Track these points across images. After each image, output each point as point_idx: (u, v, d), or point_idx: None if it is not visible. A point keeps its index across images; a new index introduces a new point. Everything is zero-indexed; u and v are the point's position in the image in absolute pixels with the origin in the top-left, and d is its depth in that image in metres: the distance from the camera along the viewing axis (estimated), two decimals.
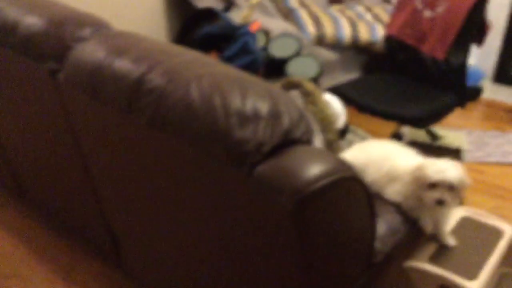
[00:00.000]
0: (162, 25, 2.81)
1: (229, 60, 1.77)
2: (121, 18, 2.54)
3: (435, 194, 1.14)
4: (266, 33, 2.61)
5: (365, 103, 2.30)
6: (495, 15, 3.46)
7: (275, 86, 1.56)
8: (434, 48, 2.30)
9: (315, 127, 1.48)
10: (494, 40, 3.54)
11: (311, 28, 2.90)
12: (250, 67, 1.85)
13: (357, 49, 2.97)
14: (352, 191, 0.91)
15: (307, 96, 1.50)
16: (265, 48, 2.53)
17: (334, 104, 1.55)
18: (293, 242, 0.86)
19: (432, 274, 1.16)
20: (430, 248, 1.25)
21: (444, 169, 1.15)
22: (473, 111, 3.31)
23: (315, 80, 2.54)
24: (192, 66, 1.03)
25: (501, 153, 2.73)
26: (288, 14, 3.00)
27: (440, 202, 1.14)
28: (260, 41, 2.54)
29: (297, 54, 2.54)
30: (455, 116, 2.64)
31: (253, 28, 2.05)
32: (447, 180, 1.13)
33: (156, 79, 1.01)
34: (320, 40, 2.90)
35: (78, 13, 1.27)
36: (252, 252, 0.99)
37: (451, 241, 1.24)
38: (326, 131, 1.48)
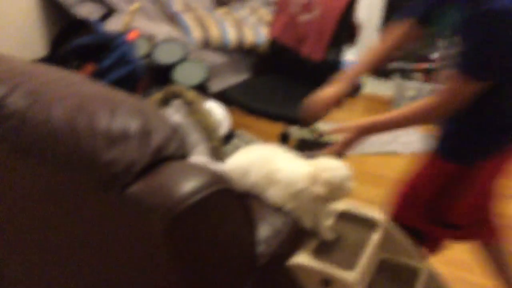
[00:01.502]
0: (38, 35, 2.65)
1: (106, 71, 1.72)
2: None
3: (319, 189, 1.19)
4: (150, 39, 2.57)
5: (252, 106, 2.36)
6: (370, 14, 3.72)
7: (153, 99, 1.55)
8: (313, 51, 2.42)
9: (199, 136, 1.49)
10: (370, 37, 3.80)
11: (196, 32, 2.90)
12: (130, 78, 1.82)
13: (245, 51, 3.02)
14: (227, 203, 0.93)
15: (189, 105, 1.51)
16: (149, 55, 2.49)
17: (216, 110, 1.57)
18: (170, 260, 0.86)
19: (314, 270, 1.22)
20: (312, 244, 1.32)
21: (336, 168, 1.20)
22: (355, 105, 3.53)
23: (203, 85, 2.56)
24: (56, 86, 0.99)
25: (380, 143, 2.95)
26: (172, 18, 2.97)
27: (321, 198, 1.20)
28: (144, 48, 2.49)
29: (183, 59, 2.53)
30: (339, 111, 2.80)
31: (131, 37, 2.01)
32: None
33: (17, 102, 0.95)
34: (206, 44, 2.91)
35: None
36: (132, 272, 0.98)
37: (329, 235, 1.31)
38: (210, 138, 1.50)
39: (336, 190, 1.20)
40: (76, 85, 1.00)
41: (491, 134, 1.32)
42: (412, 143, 2.96)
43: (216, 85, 2.73)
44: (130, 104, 0.95)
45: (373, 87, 3.73)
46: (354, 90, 3.59)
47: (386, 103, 3.48)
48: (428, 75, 3.22)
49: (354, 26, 2.35)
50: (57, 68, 1.08)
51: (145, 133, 0.90)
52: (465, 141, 1.36)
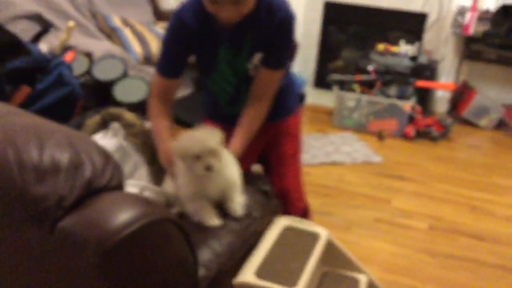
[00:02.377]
0: None
1: (42, 94, 1.67)
2: None
3: (202, 163, 1.25)
4: (89, 55, 2.52)
5: (191, 121, 2.34)
6: (310, 30, 3.82)
7: (91, 121, 1.52)
8: None
9: (140, 159, 1.48)
10: (311, 51, 3.90)
11: (137, 48, 2.88)
12: (67, 100, 1.77)
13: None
14: (163, 232, 0.93)
15: (129, 127, 1.49)
16: (88, 72, 2.44)
17: None
18: None
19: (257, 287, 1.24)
20: (255, 261, 1.33)
21: (199, 138, 1.27)
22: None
23: (145, 101, 2.53)
24: None
25: (324, 154, 3.02)
26: (112, 34, 2.93)
27: (209, 168, 1.25)
28: (82, 65, 2.44)
29: (123, 76, 2.49)
30: None
31: (68, 58, 1.96)
32: (207, 147, 1.25)
33: None
34: (148, 59, 2.89)
35: None
36: None
37: (239, 211, 1.35)
38: (151, 161, 1.49)
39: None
40: (5, 117, 0.97)
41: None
42: (353, 152, 3.05)
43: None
44: (60, 135, 0.94)
45: (316, 97, 3.82)
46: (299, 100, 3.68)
47: (329, 113, 3.57)
48: (365, 86, 3.33)
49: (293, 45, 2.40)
50: None
51: (75, 166, 0.88)
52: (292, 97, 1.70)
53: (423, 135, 3.29)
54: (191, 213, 1.32)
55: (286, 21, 1.42)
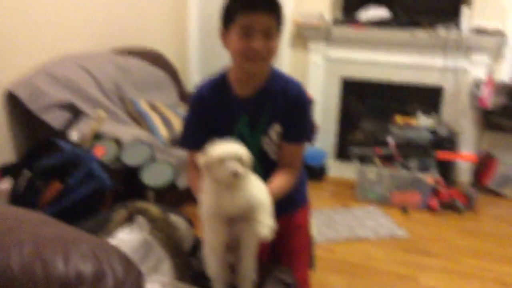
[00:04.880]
0: (7, 143, 2.71)
1: (73, 189, 1.77)
2: None
3: (229, 167, 1.23)
4: (117, 141, 2.66)
5: None
6: (329, 103, 3.93)
7: (118, 216, 1.59)
8: None
9: (164, 253, 1.53)
10: (331, 123, 3.99)
11: (163, 131, 3.01)
12: (96, 194, 1.87)
13: None
14: None
15: (153, 222, 1.55)
16: (118, 158, 2.56)
17: (180, 225, 1.62)
18: None
19: None
20: None
21: (227, 145, 1.28)
22: (322, 190, 3.63)
23: (172, 184, 2.62)
24: (15, 229, 1.03)
25: (348, 229, 3.01)
26: (140, 119, 3.09)
27: (235, 174, 1.23)
28: (112, 151, 2.57)
29: (151, 160, 2.61)
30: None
31: (97, 153, 2.09)
32: (233, 152, 1.25)
33: None
34: (174, 141, 3.01)
35: None
36: None
37: (265, 232, 1.28)
38: (175, 255, 1.53)
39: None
40: (34, 228, 1.05)
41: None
42: (377, 227, 3.04)
43: (185, 180, 2.79)
44: (85, 245, 1.00)
45: (337, 170, 3.87)
46: (319, 174, 3.72)
47: (351, 186, 3.59)
48: (386, 159, 3.37)
49: (313, 127, 2.50)
50: (14, 207, 1.13)
51: (98, 278, 0.94)
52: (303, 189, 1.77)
53: (448, 207, 3.26)
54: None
55: (300, 98, 1.53)
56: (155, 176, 2.56)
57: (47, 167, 1.72)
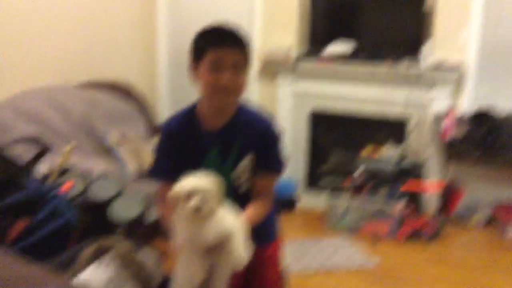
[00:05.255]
0: None
1: (39, 226, 1.73)
2: None
3: (190, 203, 1.25)
4: (85, 175, 2.61)
5: None
6: (299, 134, 3.99)
7: (85, 253, 1.56)
8: None
9: None
10: (300, 153, 4.04)
11: (132, 164, 2.98)
12: (63, 230, 1.83)
13: None
14: None
15: (121, 258, 1.52)
16: (84, 192, 2.51)
17: (149, 261, 1.60)
18: None
19: None
20: None
21: (194, 180, 1.30)
22: (293, 221, 3.64)
23: (140, 217, 2.58)
24: None
25: (319, 260, 3.01)
26: (108, 152, 3.05)
27: (197, 209, 1.25)
28: (79, 185, 2.52)
29: (119, 194, 2.56)
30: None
31: (65, 189, 2.05)
32: (198, 188, 1.26)
33: None
34: (142, 174, 2.98)
35: None
36: None
37: (239, 260, 1.32)
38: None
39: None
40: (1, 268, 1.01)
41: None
42: (348, 258, 3.05)
43: (154, 215, 2.75)
44: (50, 287, 0.98)
45: (307, 201, 3.89)
46: (290, 205, 3.74)
47: (321, 217, 3.61)
48: (355, 189, 3.42)
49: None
50: None
51: None
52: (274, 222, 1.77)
53: (416, 236, 3.31)
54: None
55: (268, 130, 1.58)
56: (123, 211, 2.51)
57: (12, 205, 1.67)
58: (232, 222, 1.35)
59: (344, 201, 3.39)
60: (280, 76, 3.89)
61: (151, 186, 2.88)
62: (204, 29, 1.53)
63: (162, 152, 1.61)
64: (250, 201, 1.58)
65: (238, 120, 1.56)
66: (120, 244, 1.56)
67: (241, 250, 1.33)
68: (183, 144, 1.56)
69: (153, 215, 2.73)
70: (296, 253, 3.09)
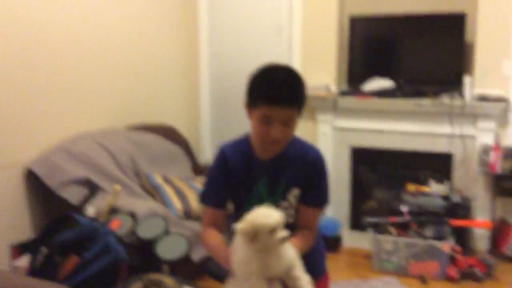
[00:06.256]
0: (25, 220, 2.76)
1: (89, 262, 1.79)
2: None
3: (279, 234, 1.32)
4: (133, 215, 2.68)
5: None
6: (341, 173, 3.97)
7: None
8: None
9: None
10: (343, 193, 4.00)
11: (177, 204, 3.05)
12: (112, 266, 1.88)
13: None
14: None
15: None
16: (133, 231, 2.58)
17: None
18: None
19: None
20: None
21: (273, 213, 1.34)
22: (337, 261, 3.57)
23: (185, 256, 2.62)
24: None
25: None
26: (154, 192, 3.13)
27: (284, 239, 1.33)
28: (127, 225, 2.59)
29: (165, 233, 2.62)
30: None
31: (113, 226, 2.12)
32: (281, 221, 1.34)
33: None
34: (187, 214, 3.04)
35: None
36: None
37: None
38: None
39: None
40: None
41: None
42: None
43: (199, 253, 2.78)
44: None
45: (352, 240, 3.82)
46: (334, 244, 3.68)
47: (367, 256, 3.53)
48: (400, 228, 3.34)
49: None
50: (35, 280, 1.15)
51: None
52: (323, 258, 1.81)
53: (467, 276, 3.18)
54: None
55: (317, 163, 1.60)
56: (169, 249, 2.56)
57: (65, 242, 1.74)
58: (292, 251, 1.42)
59: (390, 240, 3.31)
60: (320, 112, 3.92)
61: (197, 226, 2.94)
62: (260, 76, 1.51)
63: (213, 178, 1.65)
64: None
65: (289, 152, 1.59)
66: (167, 279, 1.59)
67: (306, 276, 1.40)
68: (235, 171, 1.60)
69: (198, 254, 2.76)
70: None
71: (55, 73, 3.00)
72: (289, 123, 1.50)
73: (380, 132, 3.80)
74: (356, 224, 3.94)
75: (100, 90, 3.37)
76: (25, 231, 2.70)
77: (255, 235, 1.33)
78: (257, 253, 1.34)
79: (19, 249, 2.08)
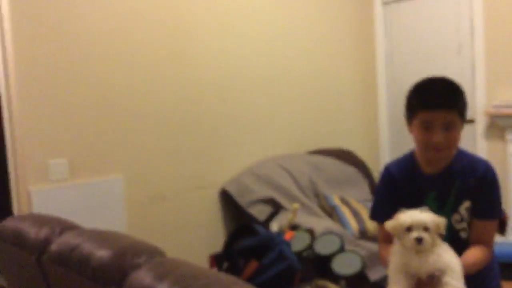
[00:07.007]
0: (220, 232, 3.20)
1: (267, 267, 2.02)
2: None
3: (413, 234, 1.33)
4: (311, 232, 2.88)
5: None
6: None
7: None
8: None
9: None
10: None
11: (353, 224, 3.15)
12: (287, 272, 2.08)
13: None
14: None
15: None
16: (310, 246, 2.77)
17: None
18: None
19: None
20: None
21: (415, 213, 1.36)
22: None
23: (360, 274, 2.69)
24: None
25: None
26: (332, 212, 3.29)
27: (419, 240, 1.32)
28: (305, 240, 2.80)
29: (341, 250, 2.74)
30: None
31: (288, 236, 2.33)
32: (418, 220, 1.34)
33: None
34: (363, 234, 3.11)
35: (137, 243, 1.60)
36: None
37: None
38: None
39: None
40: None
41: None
42: None
43: (376, 273, 2.82)
44: None
45: None
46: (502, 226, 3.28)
47: None
48: None
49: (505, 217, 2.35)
50: (216, 272, 1.38)
51: None
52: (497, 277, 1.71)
53: None
54: None
55: (488, 174, 1.55)
56: (344, 265, 2.67)
57: (246, 247, 2.01)
58: (451, 259, 1.40)
59: None
60: (509, 131, 3.61)
61: (371, 246, 2.99)
62: (416, 86, 1.59)
63: (381, 195, 1.71)
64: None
65: (456, 165, 1.58)
66: (331, 285, 1.71)
67: (461, 285, 1.36)
68: (402, 187, 1.64)
69: (376, 274, 2.80)
70: None
71: (247, 107, 3.45)
72: (449, 127, 1.49)
73: None
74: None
75: (283, 119, 3.71)
76: (219, 242, 3.13)
77: (397, 232, 1.39)
78: (401, 248, 1.39)
79: (214, 258, 2.44)
